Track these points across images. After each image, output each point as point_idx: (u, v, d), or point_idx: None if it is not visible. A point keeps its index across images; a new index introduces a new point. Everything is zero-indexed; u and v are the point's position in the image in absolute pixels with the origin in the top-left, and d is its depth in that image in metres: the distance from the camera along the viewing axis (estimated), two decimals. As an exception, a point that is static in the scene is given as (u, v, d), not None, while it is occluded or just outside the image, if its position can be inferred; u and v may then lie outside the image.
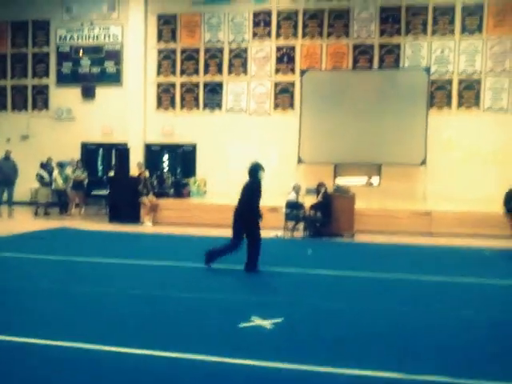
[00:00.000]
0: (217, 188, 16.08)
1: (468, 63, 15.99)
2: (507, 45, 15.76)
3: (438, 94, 16.13)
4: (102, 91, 18.04)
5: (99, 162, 18.27)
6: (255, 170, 7.91)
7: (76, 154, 17.37)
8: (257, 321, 5.33)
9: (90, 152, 18.17)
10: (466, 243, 10.72)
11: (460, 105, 16.06)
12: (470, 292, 7.06)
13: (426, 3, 16.14)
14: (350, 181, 15.87)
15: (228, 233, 7.95)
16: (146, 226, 13.69)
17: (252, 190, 7.83)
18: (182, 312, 5.78)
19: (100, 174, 18.01)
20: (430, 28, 16.18)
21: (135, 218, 13.91)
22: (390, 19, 16.38)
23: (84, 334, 4.86)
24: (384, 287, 7.17)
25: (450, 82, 16.09)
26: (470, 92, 16.01)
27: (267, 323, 5.26)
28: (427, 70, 15.92)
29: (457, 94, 16.07)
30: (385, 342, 4.91)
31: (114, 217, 13.92)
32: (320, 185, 12.28)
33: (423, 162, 15.64)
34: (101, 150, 18.26)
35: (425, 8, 16.16)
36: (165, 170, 16.76)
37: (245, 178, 7.89)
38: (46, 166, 15.62)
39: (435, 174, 15.49)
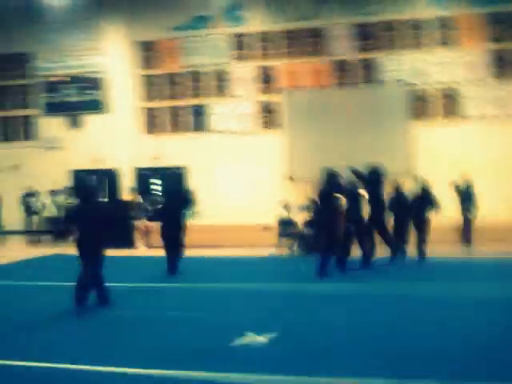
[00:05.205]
0: (207, 209, 16.22)
1: (445, 74, 16.38)
2: (481, 56, 16.22)
3: (419, 105, 16.50)
4: (88, 119, 18.26)
5: (91, 189, 18.35)
6: None
7: (66, 182, 17.46)
8: (251, 336, 5.51)
9: (81, 179, 18.27)
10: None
11: (441, 115, 16.43)
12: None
13: (400, 18, 16.57)
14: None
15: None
16: (141, 250, 13.88)
17: None
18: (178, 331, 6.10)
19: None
20: (406, 42, 16.60)
21: (128, 242, 14.04)
22: (366, 35, 16.81)
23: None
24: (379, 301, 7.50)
25: (429, 93, 16.50)
26: (450, 102, 16.39)
27: (262, 338, 5.49)
28: (406, 83, 16.33)
29: (439, 104, 16.44)
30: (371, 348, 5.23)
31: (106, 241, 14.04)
32: (312, 201, 12.46)
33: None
34: (92, 177, 18.39)
35: (400, 22, 16.58)
36: (157, 193, 16.87)
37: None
38: (30, 195, 16.26)
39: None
